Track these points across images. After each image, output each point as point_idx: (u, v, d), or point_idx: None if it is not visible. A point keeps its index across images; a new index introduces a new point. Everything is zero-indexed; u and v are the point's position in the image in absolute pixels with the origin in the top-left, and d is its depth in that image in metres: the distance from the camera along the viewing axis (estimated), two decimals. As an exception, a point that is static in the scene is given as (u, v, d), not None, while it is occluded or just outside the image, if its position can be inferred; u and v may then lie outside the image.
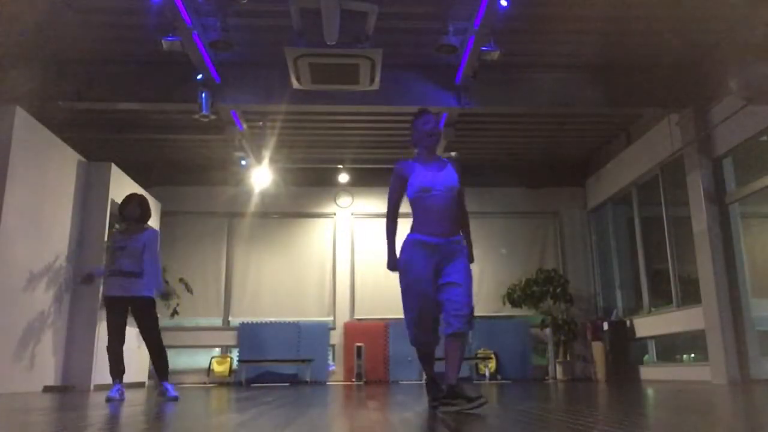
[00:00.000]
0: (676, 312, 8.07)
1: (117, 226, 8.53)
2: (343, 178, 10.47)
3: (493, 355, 9.83)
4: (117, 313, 5.02)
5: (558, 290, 9.80)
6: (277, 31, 6.47)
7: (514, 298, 9.92)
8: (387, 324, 9.94)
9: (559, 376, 9.62)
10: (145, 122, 8.65)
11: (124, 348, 5.03)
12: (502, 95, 7.54)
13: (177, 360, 9.79)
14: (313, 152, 10.04)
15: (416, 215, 3.39)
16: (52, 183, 7.27)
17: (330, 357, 10.10)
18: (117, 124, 8.68)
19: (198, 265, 10.18)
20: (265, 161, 9.51)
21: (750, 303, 6.98)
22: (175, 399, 4.84)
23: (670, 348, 8.71)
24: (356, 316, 10.34)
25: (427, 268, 3.29)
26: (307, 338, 9.98)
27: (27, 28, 6.35)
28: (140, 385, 8.78)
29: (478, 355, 9.77)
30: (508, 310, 10.14)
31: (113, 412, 3.43)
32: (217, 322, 10.34)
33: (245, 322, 10.14)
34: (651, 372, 8.74)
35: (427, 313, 3.29)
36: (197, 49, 6.36)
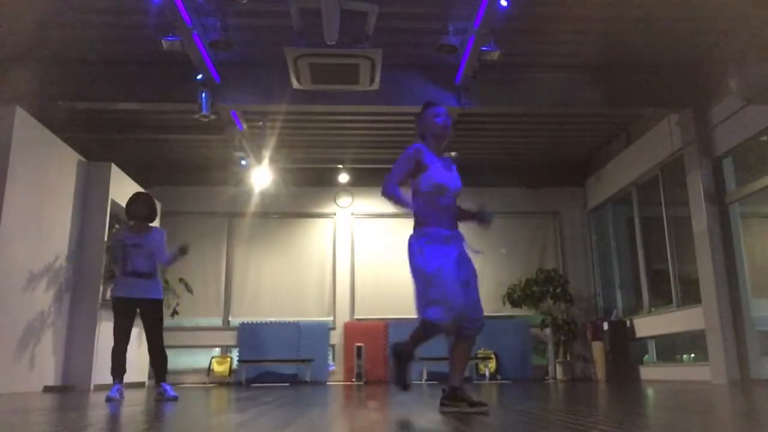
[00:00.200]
0: (676, 312, 8.07)
1: (117, 225, 8.54)
2: (343, 178, 10.47)
3: (493, 355, 9.83)
4: (127, 314, 5.00)
5: (558, 290, 9.80)
6: (277, 31, 6.47)
7: (514, 298, 9.92)
8: (387, 324, 9.94)
9: (559, 376, 9.62)
10: (145, 122, 8.66)
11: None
12: (502, 95, 7.54)
13: (177, 360, 9.78)
14: (313, 152, 10.04)
15: (426, 211, 3.24)
16: (52, 183, 7.27)
17: (330, 357, 10.10)
18: (117, 124, 8.68)
19: (198, 265, 10.18)
20: (265, 161, 9.51)
21: (750, 303, 6.98)
22: (175, 399, 4.84)
23: (670, 348, 8.71)
24: (356, 316, 10.34)
25: (452, 254, 3.21)
26: (307, 338, 9.98)
27: (27, 27, 6.36)
28: (140, 385, 8.78)
29: (478, 355, 9.76)
30: (508, 310, 10.13)
31: (113, 412, 3.43)
32: (217, 322, 10.34)
33: (245, 322, 10.14)
34: (651, 372, 8.74)
35: (457, 297, 3.16)
36: (197, 49, 6.36)
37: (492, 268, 10.45)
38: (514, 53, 6.91)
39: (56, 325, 7.28)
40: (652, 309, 8.76)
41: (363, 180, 10.46)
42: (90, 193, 8.00)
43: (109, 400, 4.66)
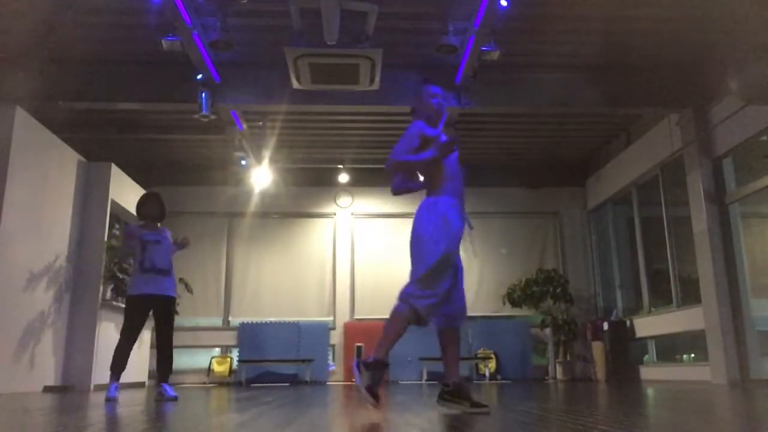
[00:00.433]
0: (676, 312, 8.07)
1: (117, 225, 8.54)
2: (343, 178, 10.47)
3: (493, 355, 9.83)
4: (142, 312, 4.98)
5: (558, 290, 9.80)
6: (277, 31, 6.47)
7: (514, 298, 9.92)
8: (387, 324, 9.92)
9: (559, 376, 9.62)
10: (145, 122, 8.66)
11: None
12: (502, 95, 7.54)
13: (177, 360, 9.62)
14: (313, 152, 10.04)
15: (447, 183, 3.14)
16: (52, 183, 7.27)
17: (330, 357, 10.10)
18: (117, 124, 8.68)
19: (198, 265, 10.18)
20: (265, 161, 9.52)
21: (750, 303, 6.98)
22: (175, 399, 4.84)
23: (670, 348, 8.71)
24: (356, 316, 10.34)
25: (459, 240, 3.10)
26: (307, 338, 9.98)
27: (27, 27, 6.36)
28: (140, 385, 8.78)
29: (478, 355, 9.77)
30: (508, 310, 10.13)
31: (113, 412, 3.43)
32: (217, 322, 10.34)
33: (245, 322, 10.14)
34: (651, 372, 8.74)
35: (452, 288, 3.05)
36: (197, 49, 6.36)
37: (492, 268, 10.46)
38: (514, 53, 6.91)
39: (56, 325, 7.28)
40: (652, 309, 8.76)
41: (363, 180, 10.46)
42: (90, 193, 8.00)
43: (109, 400, 4.66)
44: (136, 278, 5.03)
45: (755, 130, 6.60)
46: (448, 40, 6.27)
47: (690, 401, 3.68)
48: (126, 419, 2.92)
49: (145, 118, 8.53)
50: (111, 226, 8.12)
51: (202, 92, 6.98)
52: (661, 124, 8.24)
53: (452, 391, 3.10)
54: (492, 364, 9.76)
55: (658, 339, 8.73)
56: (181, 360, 9.96)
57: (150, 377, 9.17)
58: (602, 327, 9.22)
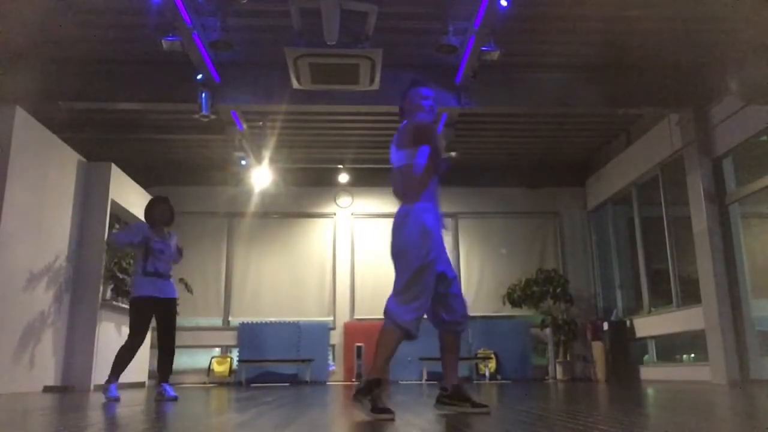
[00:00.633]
0: (676, 312, 8.07)
1: (117, 226, 8.54)
2: (343, 178, 10.47)
3: (493, 355, 9.83)
4: (147, 314, 5.04)
5: (558, 290, 9.80)
6: (277, 31, 6.47)
7: (514, 298, 9.92)
8: (387, 324, 9.92)
9: (559, 376, 9.62)
10: (145, 122, 8.66)
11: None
12: (502, 95, 7.54)
13: (177, 360, 9.65)
14: (313, 152, 10.04)
15: (422, 182, 3.09)
16: (52, 183, 7.27)
17: (330, 357, 10.10)
18: (117, 124, 8.68)
19: (198, 265, 10.18)
20: (265, 161, 9.51)
21: (750, 303, 6.98)
22: (175, 399, 4.86)
23: (670, 348, 8.71)
24: (356, 316, 10.34)
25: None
26: (307, 338, 9.98)
27: (27, 27, 6.36)
28: (140, 385, 8.78)
29: (478, 355, 9.77)
30: (508, 310, 10.13)
31: (114, 412, 3.43)
32: (217, 322, 10.34)
33: (245, 322, 10.14)
34: (651, 372, 8.74)
35: (449, 297, 3.05)
36: (197, 49, 6.36)
37: (492, 268, 10.46)
38: (514, 53, 6.91)
39: (56, 325, 7.28)
40: (652, 309, 8.76)
41: (363, 180, 10.46)
42: (90, 193, 8.00)
43: (110, 399, 4.67)
44: (139, 280, 5.06)
45: (755, 130, 6.60)
46: (448, 40, 6.27)
47: (690, 401, 3.68)
48: (126, 419, 2.92)
49: (145, 118, 8.53)
50: (111, 226, 8.12)
51: (202, 92, 6.98)
52: (661, 124, 8.24)
53: (451, 394, 3.10)
54: (492, 364, 9.76)
55: (658, 339, 8.73)
56: (181, 360, 9.96)
57: (150, 377, 9.17)
58: (602, 327, 9.22)
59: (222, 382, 9.84)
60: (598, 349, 9.18)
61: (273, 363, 9.61)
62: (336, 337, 10.14)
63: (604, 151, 10.08)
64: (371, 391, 2.81)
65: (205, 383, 9.89)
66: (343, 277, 10.46)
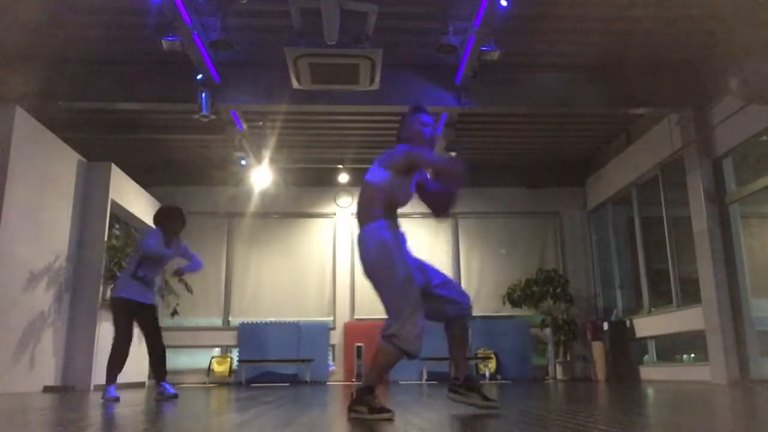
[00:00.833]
0: (676, 312, 8.07)
1: (117, 226, 8.54)
2: (343, 178, 10.47)
3: (493, 355, 9.83)
4: (131, 315, 5.04)
5: (558, 290, 9.80)
6: (277, 31, 6.48)
7: (514, 298, 9.92)
8: (387, 324, 9.92)
9: (559, 376, 9.62)
10: (145, 122, 8.66)
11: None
12: (502, 95, 7.54)
13: (177, 360, 9.79)
14: (313, 152, 10.04)
15: (387, 203, 3.13)
16: (52, 183, 7.27)
17: (330, 357, 10.10)
18: (117, 124, 8.68)
19: (198, 265, 10.16)
20: (265, 161, 9.52)
21: (750, 303, 6.98)
22: (175, 396, 4.88)
23: (670, 348, 8.71)
24: (356, 316, 10.34)
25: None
26: (307, 338, 9.99)
27: (27, 27, 6.36)
28: (140, 385, 8.78)
29: (478, 355, 9.77)
30: (508, 310, 10.14)
31: (114, 412, 3.43)
32: (217, 322, 10.34)
33: (245, 322, 10.14)
34: (651, 372, 8.74)
35: (447, 294, 3.06)
36: (197, 49, 6.36)
37: (492, 268, 10.46)
38: (514, 53, 6.91)
39: (56, 325, 7.28)
40: (652, 309, 8.76)
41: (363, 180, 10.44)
42: (90, 193, 8.00)
43: (111, 400, 4.68)
44: (126, 281, 5.05)
45: (755, 130, 6.59)
46: (448, 40, 6.27)
47: (690, 401, 3.68)
48: (126, 419, 2.92)
49: (146, 118, 8.53)
50: (111, 226, 8.12)
51: (202, 92, 6.98)
52: (661, 124, 8.24)
53: (463, 383, 3.14)
54: (492, 364, 9.76)
55: (658, 339, 8.73)
56: (181, 360, 9.97)
57: (150, 377, 9.17)
58: (602, 327, 9.22)
59: (222, 382, 9.84)
60: (598, 349, 9.18)
61: (273, 363, 9.62)
62: (336, 337, 10.15)
63: (604, 151, 10.09)
64: (362, 399, 2.82)
65: (205, 383, 9.89)
66: (343, 277, 10.46)
